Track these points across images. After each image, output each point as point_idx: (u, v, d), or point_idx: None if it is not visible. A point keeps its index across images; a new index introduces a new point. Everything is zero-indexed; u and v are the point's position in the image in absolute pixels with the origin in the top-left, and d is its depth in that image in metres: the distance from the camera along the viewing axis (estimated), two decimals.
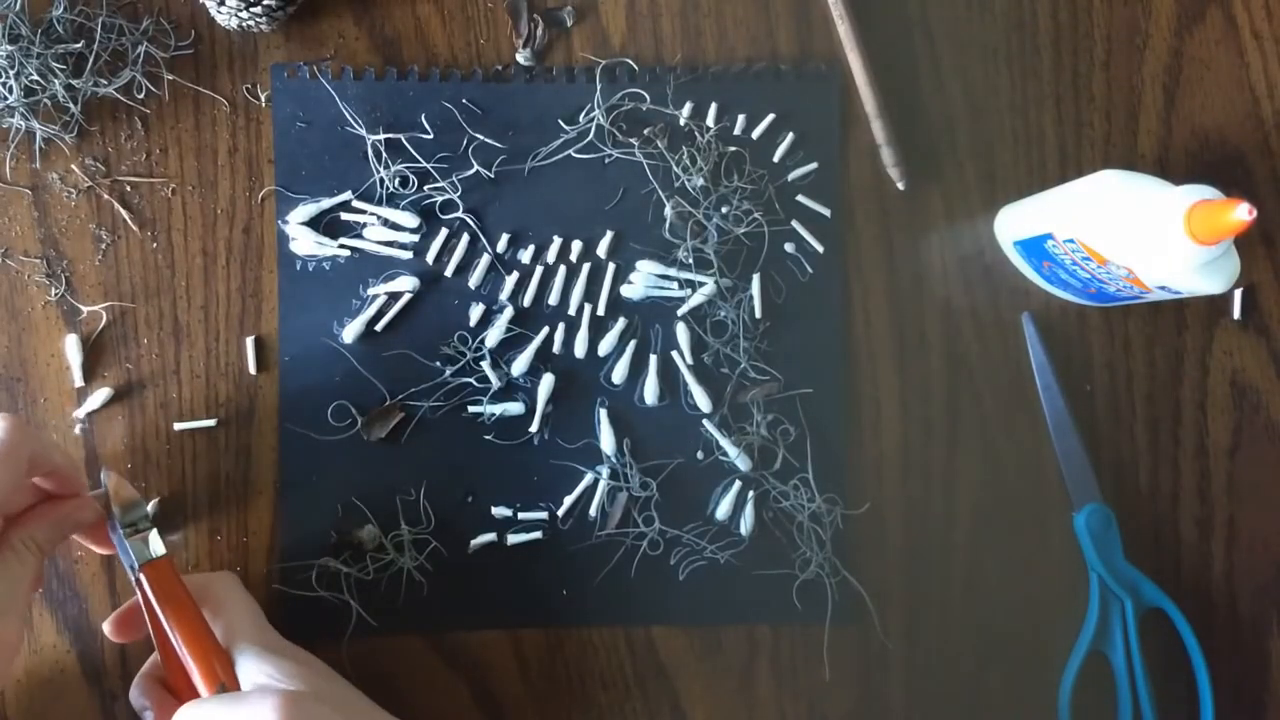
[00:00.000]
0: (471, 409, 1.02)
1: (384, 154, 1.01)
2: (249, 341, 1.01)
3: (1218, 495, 1.08)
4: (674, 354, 1.03)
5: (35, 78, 0.97)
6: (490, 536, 1.02)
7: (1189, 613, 1.05)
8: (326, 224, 1.01)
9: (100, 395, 1.00)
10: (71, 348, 1.00)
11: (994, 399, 1.06)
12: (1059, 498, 1.06)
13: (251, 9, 0.97)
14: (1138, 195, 0.93)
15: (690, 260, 1.03)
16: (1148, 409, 1.08)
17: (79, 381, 1.00)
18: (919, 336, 1.06)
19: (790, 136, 1.04)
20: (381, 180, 1.01)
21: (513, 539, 1.02)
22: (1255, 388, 1.09)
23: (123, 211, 1.00)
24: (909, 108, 1.07)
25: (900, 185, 1.05)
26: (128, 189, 1.01)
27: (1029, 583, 1.06)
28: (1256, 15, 1.09)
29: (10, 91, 0.97)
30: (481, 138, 1.02)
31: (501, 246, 1.02)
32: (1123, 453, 1.07)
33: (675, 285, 1.03)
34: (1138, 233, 0.92)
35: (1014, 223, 1.04)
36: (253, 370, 1.01)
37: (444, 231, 1.02)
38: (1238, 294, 1.08)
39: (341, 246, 1.01)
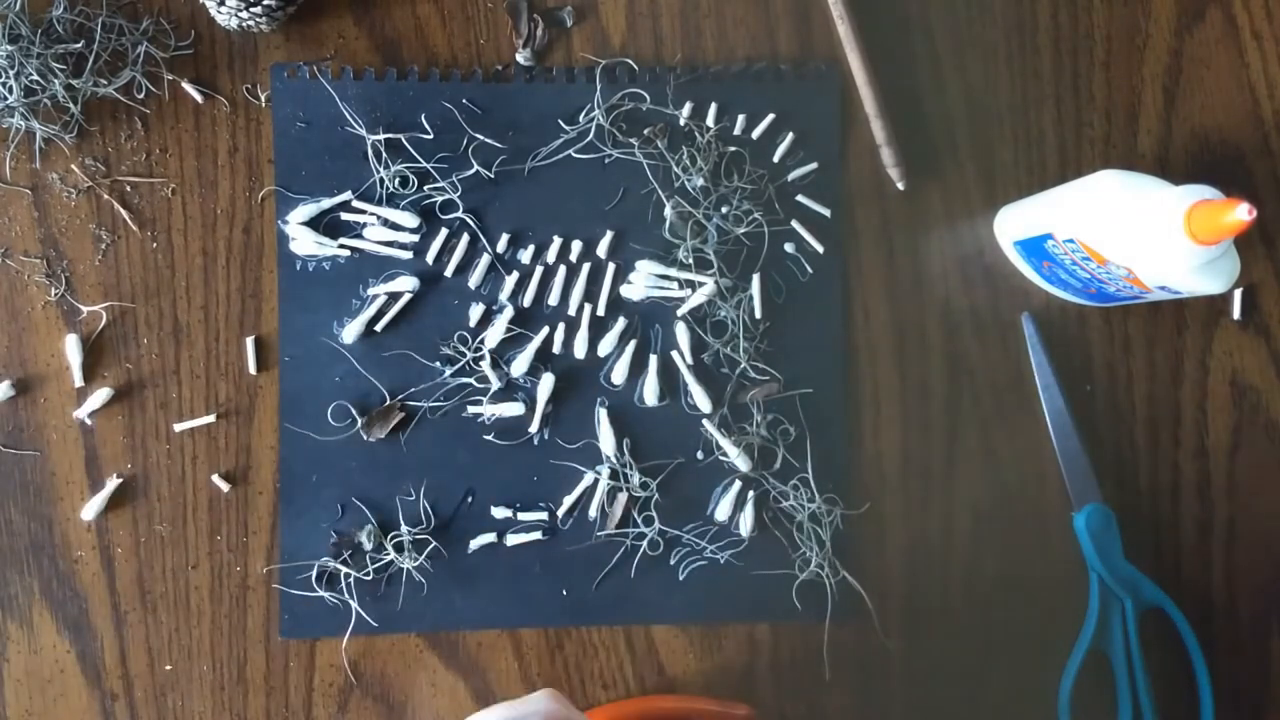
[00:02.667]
0: (471, 409, 1.02)
1: (384, 154, 1.01)
2: (249, 341, 1.01)
3: (1218, 495, 1.08)
4: (674, 354, 1.03)
5: (35, 78, 0.97)
6: (490, 537, 1.02)
7: (1189, 613, 1.05)
8: (326, 224, 1.01)
9: (100, 395, 1.00)
10: (71, 348, 1.00)
11: (994, 399, 1.06)
12: (1059, 498, 1.06)
13: (251, 9, 0.97)
14: (1137, 195, 0.93)
15: (690, 260, 1.03)
16: (1148, 409, 1.08)
17: (79, 381, 1.00)
18: (919, 336, 1.06)
19: (790, 136, 1.04)
20: (381, 180, 1.01)
21: (513, 539, 1.02)
22: (1255, 388, 1.09)
23: (123, 211, 1.00)
24: (909, 108, 1.07)
25: (900, 185, 1.05)
26: (128, 189, 1.01)
27: (1029, 583, 1.06)
28: (1256, 15, 1.09)
29: (10, 91, 0.97)
30: (481, 138, 1.02)
31: (501, 246, 1.02)
32: (1123, 453, 1.07)
33: (675, 285, 1.03)
34: (1138, 233, 0.92)
35: (1013, 223, 1.04)
36: (253, 370, 1.01)
37: (444, 231, 1.02)
38: (1238, 294, 1.08)
39: (341, 246, 1.01)
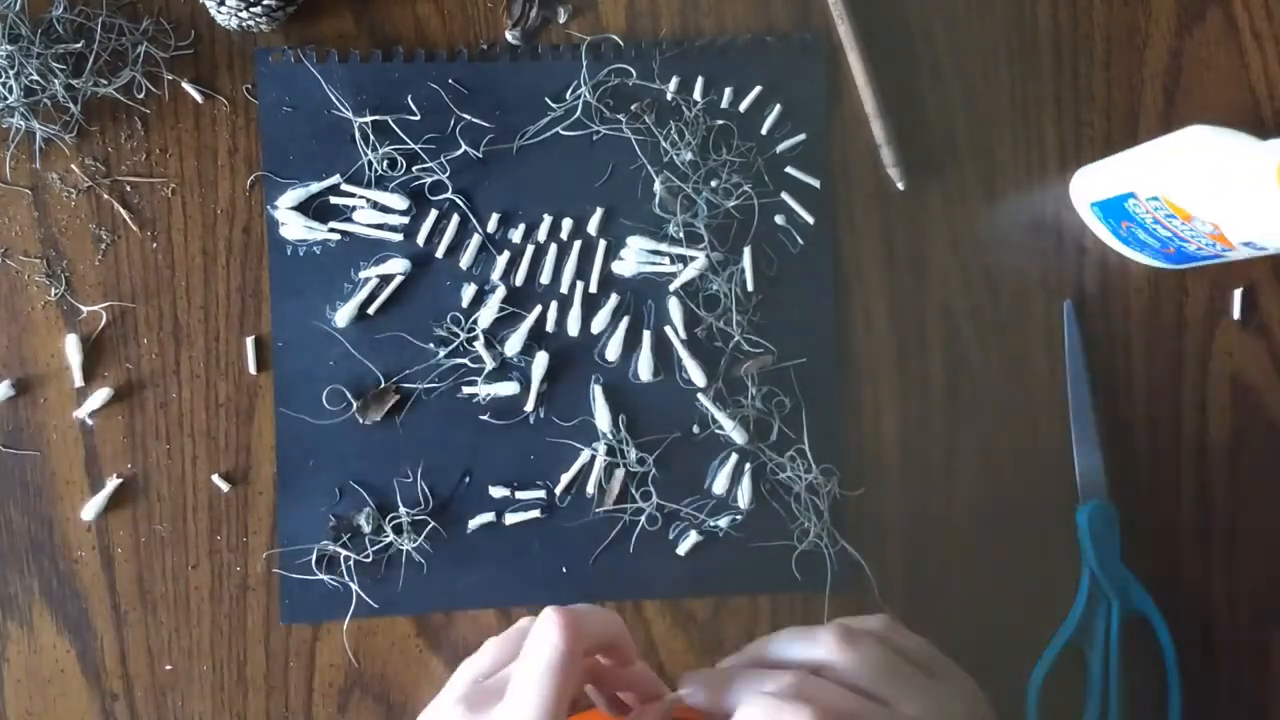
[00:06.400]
0: (466, 390, 1.02)
1: (371, 136, 1.01)
2: (249, 341, 1.02)
3: (1218, 496, 1.08)
4: (667, 329, 1.03)
5: (35, 78, 0.99)
6: (489, 516, 1.02)
7: (1185, 616, 1.05)
8: (316, 208, 1.02)
9: (100, 395, 1.00)
10: (71, 348, 1.00)
11: (992, 372, 1.06)
12: (1062, 482, 1.06)
13: (251, 9, 0.98)
14: (1226, 150, 0.92)
15: (681, 235, 1.03)
16: (1148, 409, 1.07)
17: (79, 381, 1.01)
18: (919, 337, 1.06)
19: (778, 108, 1.04)
20: (370, 163, 1.01)
21: (511, 518, 1.02)
22: (1255, 388, 1.08)
23: (123, 211, 1.01)
24: (909, 108, 1.07)
25: (900, 185, 1.05)
26: (128, 189, 1.02)
27: (1026, 554, 1.06)
28: (1256, 15, 1.09)
29: (10, 91, 0.98)
30: (469, 118, 1.02)
31: (492, 226, 1.02)
32: (1122, 453, 1.07)
33: (667, 260, 1.03)
34: (1226, 188, 0.91)
35: (1093, 184, 1.04)
36: (253, 370, 1.02)
37: (434, 213, 1.02)
38: (1237, 294, 1.08)
39: (331, 230, 1.01)
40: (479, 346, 1.01)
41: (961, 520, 1.05)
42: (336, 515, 1.01)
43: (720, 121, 1.04)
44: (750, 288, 1.03)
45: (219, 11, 0.99)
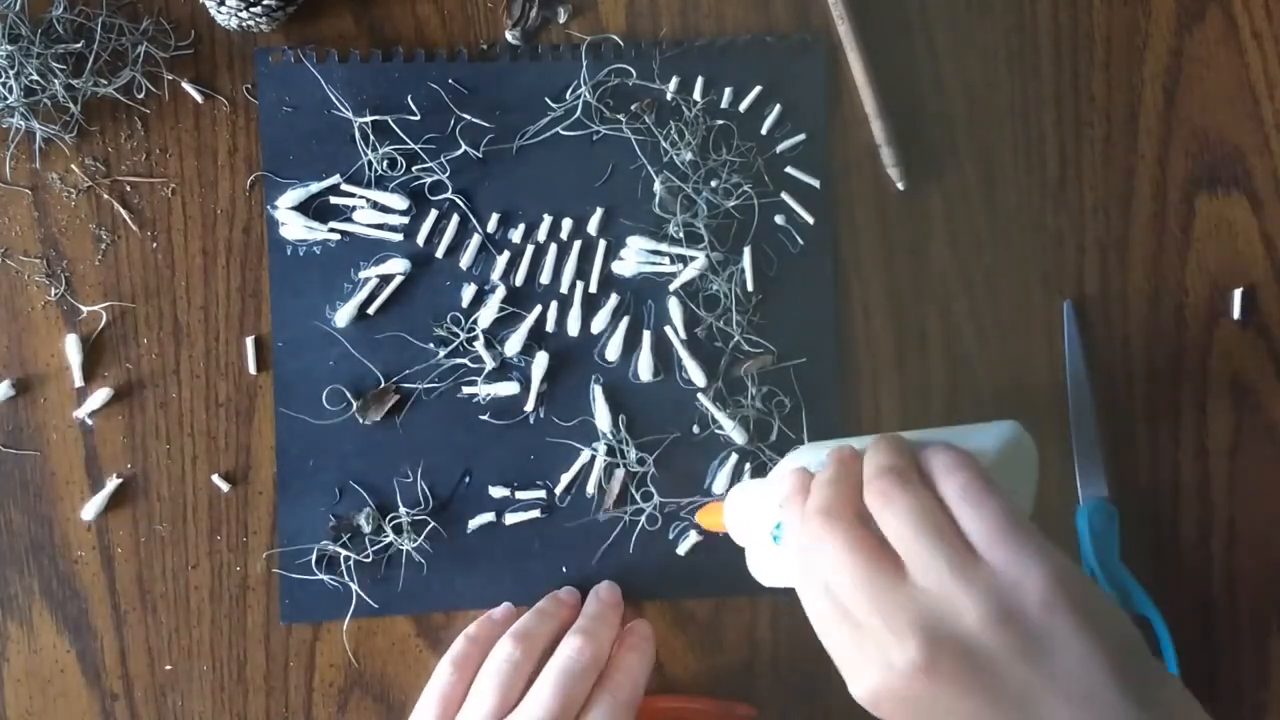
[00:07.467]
0: (466, 390, 1.02)
1: (371, 137, 1.01)
2: (249, 341, 1.01)
3: (1218, 495, 1.08)
4: (667, 329, 1.03)
5: (35, 78, 0.98)
6: (489, 516, 1.02)
7: (1187, 615, 1.05)
8: (316, 208, 1.02)
9: (100, 395, 1.00)
10: (71, 348, 1.00)
11: (992, 372, 1.06)
12: (1063, 483, 1.06)
13: (251, 9, 0.98)
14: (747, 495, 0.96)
15: (681, 235, 1.03)
16: (1148, 409, 1.07)
17: (79, 381, 1.01)
18: (919, 336, 1.06)
19: (778, 108, 1.04)
20: (370, 163, 1.01)
21: (511, 518, 1.02)
22: (1255, 388, 1.08)
23: (123, 211, 1.01)
24: (909, 108, 1.07)
25: (900, 185, 1.05)
26: (128, 189, 1.02)
27: None
28: (1256, 15, 1.09)
29: (10, 91, 0.98)
30: (469, 118, 1.02)
31: (492, 226, 1.02)
32: (1122, 453, 1.07)
33: (667, 260, 1.03)
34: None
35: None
36: (253, 370, 1.02)
37: (434, 213, 1.02)
38: (1238, 294, 1.08)
39: (332, 230, 1.01)
40: (479, 346, 1.01)
41: None
42: (336, 515, 1.01)
43: (720, 121, 1.04)
44: (750, 288, 1.03)
45: (219, 11, 0.99)
